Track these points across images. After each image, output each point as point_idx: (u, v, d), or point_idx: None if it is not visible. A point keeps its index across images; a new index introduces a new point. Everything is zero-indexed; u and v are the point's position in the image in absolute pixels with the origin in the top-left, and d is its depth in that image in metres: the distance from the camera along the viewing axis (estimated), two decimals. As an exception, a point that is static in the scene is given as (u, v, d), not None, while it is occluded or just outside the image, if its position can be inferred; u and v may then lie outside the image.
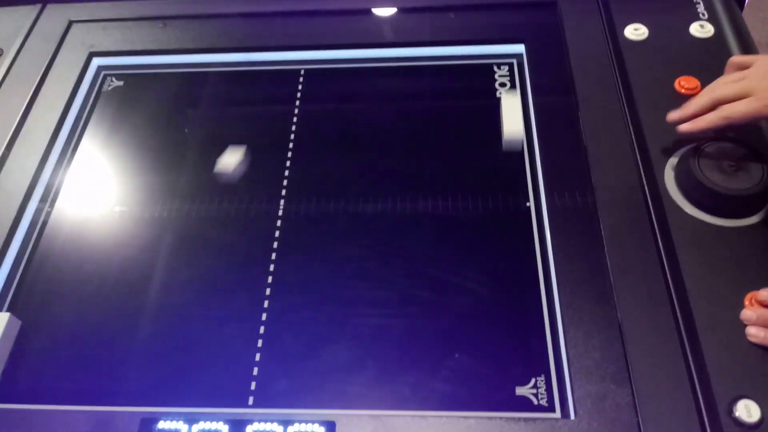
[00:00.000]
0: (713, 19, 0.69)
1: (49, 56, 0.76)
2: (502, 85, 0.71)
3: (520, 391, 0.51)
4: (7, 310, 0.58)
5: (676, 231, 0.54)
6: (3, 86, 0.73)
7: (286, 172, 0.66)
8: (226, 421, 0.49)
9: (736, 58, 0.58)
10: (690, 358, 0.48)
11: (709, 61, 0.65)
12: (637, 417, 0.46)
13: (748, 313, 0.49)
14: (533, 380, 0.51)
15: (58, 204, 0.66)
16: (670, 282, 0.52)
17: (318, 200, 0.64)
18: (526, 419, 0.48)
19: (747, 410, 0.45)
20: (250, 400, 0.52)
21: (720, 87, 0.55)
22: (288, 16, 0.77)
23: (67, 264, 0.62)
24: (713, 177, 0.54)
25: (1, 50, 0.76)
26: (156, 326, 0.57)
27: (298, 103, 0.72)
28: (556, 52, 0.70)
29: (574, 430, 0.47)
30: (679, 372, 0.48)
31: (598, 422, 0.47)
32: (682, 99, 0.62)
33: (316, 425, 0.49)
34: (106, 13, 0.80)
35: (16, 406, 0.53)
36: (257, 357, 0.55)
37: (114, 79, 0.76)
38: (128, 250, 0.62)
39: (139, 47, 0.77)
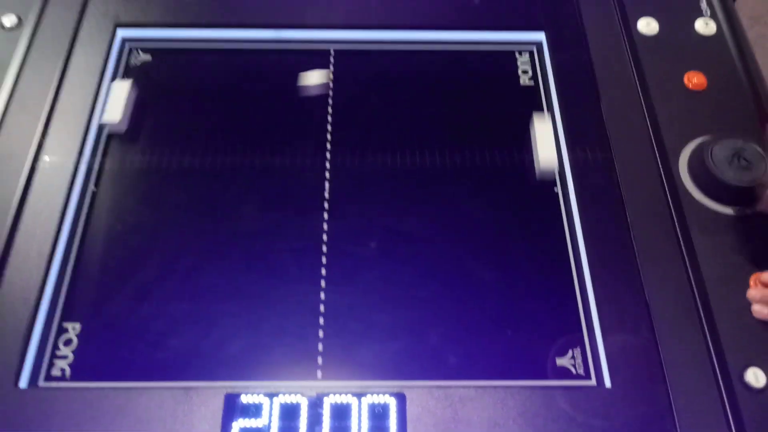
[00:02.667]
0: (715, 16, 0.76)
1: (72, 28, 0.74)
2: (524, 72, 0.76)
3: (560, 361, 0.58)
4: (72, 287, 0.61)
5: (690, 218, 0.62)
6: (28, 61, 0.71)
7: (328, 154, 0.70)
8: (304, 394, 0.55)
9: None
10: (707, 332, 0.57)
11: (714, 58, 0.72)
12: (666, 384, 0.55)
13: (752, 292, 0.58)
14: (570, 351, 0.59)
15: (103, 183, 0.67)
16: (688, 264, 0.60)
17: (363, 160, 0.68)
18: (568, 387, 0.56)
19: (755, 377, 0.54)
20: (319, 374, 0.58)
21: None
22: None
23: (125, 240, 0.64)
24: (723, 169, 0.62)
25: (20, 19, 0.74)
26: (220, 303, 0.61)
27: (331, 84, 0.74)
28: (575, 41, 0.75)
29: (610, 396, 0.55)
30: (699, 344, 0.56)
31: (632, 389, 0.55)
32: (690, 93, 0.69)
33: (387, 396, 0.55)
34: (127, -20, 0.78)
35: (96, 384, 0.56)
36: (320, 333, 0.60)
37: (140, 52, 0.76)
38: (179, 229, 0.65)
39: (167, 19, 0.76)
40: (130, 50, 0.76)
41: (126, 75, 0.74)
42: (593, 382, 0.57)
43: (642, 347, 0.57)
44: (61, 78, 0.71)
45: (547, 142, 0.68)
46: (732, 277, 0.59)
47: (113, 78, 0.73)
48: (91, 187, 0.67)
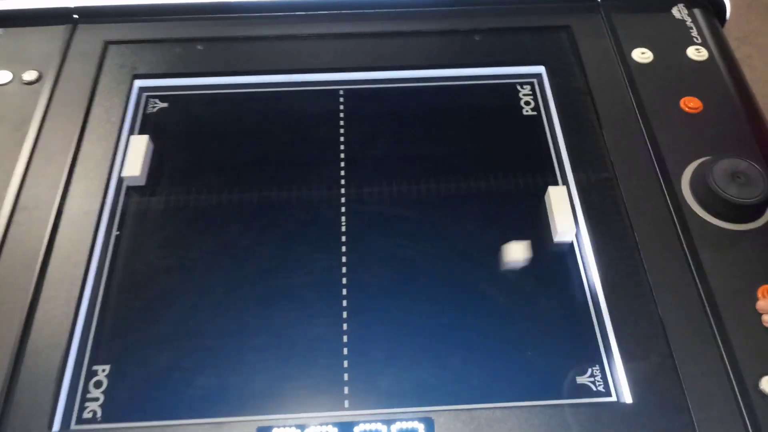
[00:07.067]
0: (705, 43, 0.79)
1: (92, 80, 0.77)
2: (527, 103, 0.79)
3: (580, 380, 0.60)
4: (100, 330, 0.63)
5: (696, 236, 0.64)
6: (50, 113, 0.74)
7: (342, 189, 0.72)
8: (334, 425, 0.56)
9: None
10: (721, 345, 0.58)
11: (707, 83, 0.75)
12: (685, 396, 0.56)
13: (761, 304, 0.60)
14: (589, 370, 0.60)
15: (128, 224, 0.69)
16: (697, 280, 0.62)
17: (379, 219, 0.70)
18: (589, 404, 0.57)
19: (770, 385, 0.56)
20: (346, 404, 0.59)
21: None
22: (323, 39, 0.82)
23: (151, 280, 0.66)
24: (725, 187, 0.64)
25: (41, 74, 0.77)
26: (246, 338, 0.63)
27: (342, 122, 0.77)
28: (573, 72, 0.79)
29: (632, 411, 0.56)
30: (714, 356, 0.58)
31: (652, 404, 0.56)
32: (688, 118, 0.72)
33: (416, 422, 0.56)
34: (141, 33, 0.82)
35: (127, 425, 0.57)
36: (345, 363, 0.61)
37: (158, 101, 0.79)
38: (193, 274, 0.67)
39: (179, 69, 0.80)
40: (147, 99, 0.79)
41: (144, 123, 0.77)
42: (614, 398, 0.59)
43: (659, 362, 0.58)
44: (83, 129, 0.74)
45: (563, 210, 0.68)
46: (740, 290, 0.61)
47: (131, 127, 0.76)
48: (115, 231, 0.69)
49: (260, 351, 0.62)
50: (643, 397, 0.57)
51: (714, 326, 0.59)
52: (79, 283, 0.64)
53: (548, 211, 0.69)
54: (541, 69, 0.80)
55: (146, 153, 0.73)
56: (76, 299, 0.63)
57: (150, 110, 0.79)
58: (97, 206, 0.68)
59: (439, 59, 0.81)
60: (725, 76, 0.76)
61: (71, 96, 0.76)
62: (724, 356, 0.58)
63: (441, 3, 0.84)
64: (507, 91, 0.80)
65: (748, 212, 0.65)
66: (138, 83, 0.79)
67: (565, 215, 0.67)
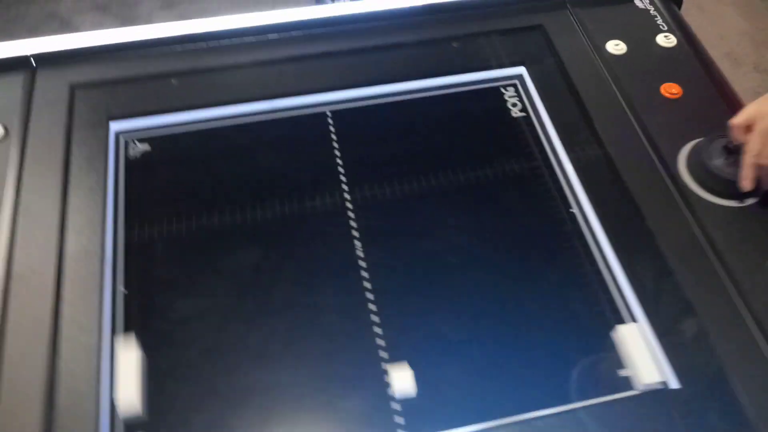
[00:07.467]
0: (672, 30, 0.83)
1: (64, 128, 0.72)
2: (514, 105, 0.80)
3: (624, 372, 0.61)
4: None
5: (703, 216, 0.67)
6: (26, 170, 0.69)
7: (351, 213, 0.71)
8: (398, 454, 0.55)
9: (737, 122, 0.66)
10: (750, 316, 0.61)
11: (681, 68, 0.79)
12: (726, 374, 0.58)
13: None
14: (629, 361, 0.62)
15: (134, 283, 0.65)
16: (714, 258, 0.64)
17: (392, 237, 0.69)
18: (640, 395, 0.59)
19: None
20: (401, 432, 0.58)
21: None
22: (302, 61, 0.80)
23: (173, 339, 0.62)
24: (722, 167, 0.68)
25: (6, 128, 0.72)
26: (283, 370, 0.61)
27: (336, 144, 0.76)
28: (554, 69, 0.80)
29: (682, 396, 0.58)
30: (745, 329, 0.60)
31: (699, 385, 0.58)
32: (671, 103, 0.75)
33: (479, 440, 0.56)
34: (109, 73, 0.77)
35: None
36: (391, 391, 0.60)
37: (137, 142, 0.75)
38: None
39: (156, 107, 0.76)
40: (126, 142, 0.75)
41: (128, 168, 0.73)
42: (660, 385, 0.60)
43: (695, 343, 0.61)
44: (65, 182, 0.69)
45: (642, 354, 0.61)
46: (755, 261, 0.64)
47: (116, 174, 0.71)
48: (122, 289, 0.65)
49: (297, 379, 0.60)
50: (689, 381, 0.59)
51: (741, 300, 0.62)
52: (95, 350, 0.59)
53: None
54: (521, 70, 0.82)
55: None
56: (95, 368, 0.59)
57: (132, 154, 0.74)
58: (98, 265, 0.64)
59: (421, 69, 0.81)
60: (696, 59, 0.80)
61: (45, 148, 0.71)
62: (756, 328, 0.61)
63: (413, 13, 0.84)
64: (492, 94, 0.81)
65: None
66: (114, 126, 0.75)
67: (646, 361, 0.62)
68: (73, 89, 0.76)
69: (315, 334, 0.63)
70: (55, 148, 0.71)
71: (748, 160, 0.65)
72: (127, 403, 0.58)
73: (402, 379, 0.60)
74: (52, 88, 0.75)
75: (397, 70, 0.81)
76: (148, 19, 1.88)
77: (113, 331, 0.62)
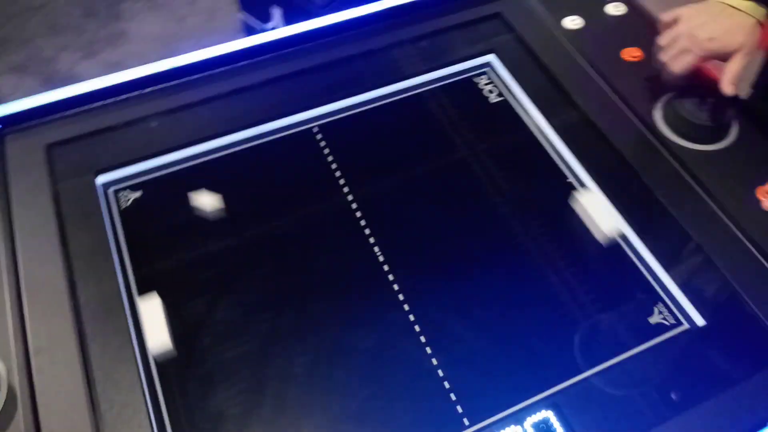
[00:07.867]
0: (618, -1, 0.88)
1: (48, 189, 0.69)
2: (491, 91, 0.82)
3: (652, 320, 0.64)
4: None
5: (687, 161, 0.71)
6: (19, 241, 0.65)
7: (360, 219, 0.71)
8: (471, 443, 0.56)
9: (665, 18, 0.74)
10: (750, 245, 0.66)
11: (636, 33, 0.83)
12: (749, 305, 0.62)
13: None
14: (654, 309, 0.65)
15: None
16: (708, 199, 0.69)
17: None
18: (669, 339, 0.62)
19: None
20: (466, 422, 0.59)
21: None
22: (279, 82, 0.80)
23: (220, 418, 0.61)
24: (698, 115, 0.72)
25: (-14, 202, 0.68)
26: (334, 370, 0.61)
27: (329, 156, 0.76)
28: (521, 52, 0.84)
29: (710, 333, 0.62)
30: (752, 257, 0.65)
31: (723, 320, 0.62)
32: (636, 65, 0.80)
33: (544, 411, 0.58)
34: (85, 126, 0.75)
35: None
36: (446, 384, 0.61)
37: (129, 191, 0.73)
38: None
39: (140, 153, 0.74)
40: (116, 193, 0.72)
41: (124, 220, 0.70)
42: (687, 325, 0.64)
43: (712, 282, 0.64)
44: (64, 244, 0.66)
45: (602, 211, 0.69)
46: (744, 195, 0.68)
47: (113, 229, 0.69)
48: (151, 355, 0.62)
49: (352, 381, 0.61)
50: (713, 316, 0.62)
51: (739, 230, 0.66)
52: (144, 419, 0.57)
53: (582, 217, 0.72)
54: (490, 57, 0.84)
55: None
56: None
57: (124, 204, 0.72)
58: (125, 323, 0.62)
59: (397, 73, 0.82)
60: (646, 23, 0.85)
61: (33, 213, 0.68)
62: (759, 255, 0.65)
63: (378, 19, 0.85)
64: (468, 85, 0.83)
65: (713, 134, 0.73)
66: (100, 179, 0.72)
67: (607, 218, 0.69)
68: (49, 148, 0.73)
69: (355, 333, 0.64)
70: (45, 212, 0.68)
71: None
72: (158, 342, 0.60)
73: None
74: (25, 150, 0.72)
75: (375, 77, 0.82)
76: (70, 73, 1.81)
77: (152, 397, 0.59)
